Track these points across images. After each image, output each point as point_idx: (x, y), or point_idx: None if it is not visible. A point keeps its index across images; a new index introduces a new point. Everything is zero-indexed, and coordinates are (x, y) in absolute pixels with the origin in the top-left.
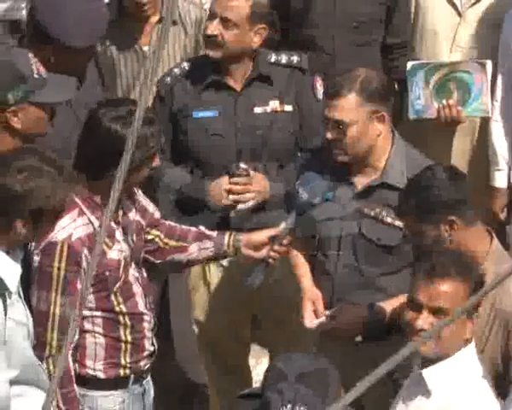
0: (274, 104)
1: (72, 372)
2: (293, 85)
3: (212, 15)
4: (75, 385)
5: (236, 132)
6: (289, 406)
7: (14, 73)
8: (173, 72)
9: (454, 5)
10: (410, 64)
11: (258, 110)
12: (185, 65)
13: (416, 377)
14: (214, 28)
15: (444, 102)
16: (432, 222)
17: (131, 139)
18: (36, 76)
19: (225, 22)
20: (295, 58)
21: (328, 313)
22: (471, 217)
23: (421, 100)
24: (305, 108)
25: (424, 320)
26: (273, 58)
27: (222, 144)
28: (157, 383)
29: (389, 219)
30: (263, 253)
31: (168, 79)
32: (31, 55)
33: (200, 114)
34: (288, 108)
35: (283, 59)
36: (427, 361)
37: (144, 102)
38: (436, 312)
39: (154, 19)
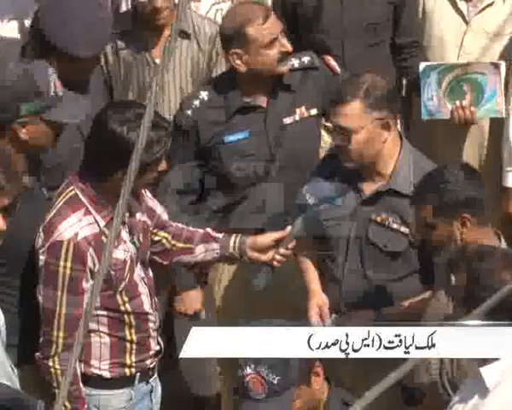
0: (300, 111)
1: (78, 371)
2: (311, 87)
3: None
4: (81, 384)
5: (269, 147)
6: (252, 366)
7: (31, 85)
8: (193, 104)
9: (461, 13)
10: (422, 65)
11: (287, 121)
12: (203, 94)
13: (474, 376)
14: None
15: (457, 102)
16: (445, 217)
17: (138, 147)
18: (52, 93)
19: None
20: (306, 59)
21: (334, 317)
22: (484, 217)
23: (434, 101)
24: (331, 93)
25: None
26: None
27: (255, 163)
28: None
29: (395, 226)
30: (268, 256)
31: (189, 112)
32: (51, 69)
33: (232, 138)
34: (313, 111)
35: (295, 63)
36: (486, 359)
37: (151, 108)
38: None
39: (168, 31)
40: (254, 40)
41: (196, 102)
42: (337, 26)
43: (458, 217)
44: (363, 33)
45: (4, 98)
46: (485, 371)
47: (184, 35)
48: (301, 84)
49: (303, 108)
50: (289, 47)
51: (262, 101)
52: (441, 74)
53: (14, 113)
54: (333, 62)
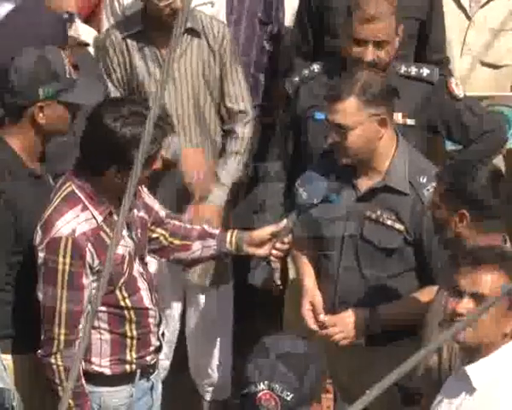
0: (396, 116)
1: (81, 368)
2: (419, 99)
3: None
4: (83, 381)
5: None
6: (266, 382)
7: (48, 69)
8: (303, 72)
9: (463, 8)
10: None
11: None
12: (315, 67)
13: (459, 374)
14: (371, 53)
15: None
16: (448, 205)
17: (142, 147)
18: (67, 76)
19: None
20: (425, 71)
21: (324, 317)
22: (487, 221)
23: None
24: (446, 113)
25: (464, 306)
26: (403, 70)
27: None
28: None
29: (389, 222)
30: (265, 251)
31: (297, 78)
32: (63, 54)
33: (322, 116)
34: (411, 121)
35: (413, 71)
36: (471, 358)
37: (158, 105)
38: (476, 298)
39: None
40: (345, 30)
41: (306, 72)
42: None
43: (458, 210)
44: None
45: (22, 82)
46: (470, 369)
47: (195, 33)
48: (412, 94)
49: (399, 115)
50: (369, 57)
51: None
52: None
53: (32, 97)
54: (454, 86)
